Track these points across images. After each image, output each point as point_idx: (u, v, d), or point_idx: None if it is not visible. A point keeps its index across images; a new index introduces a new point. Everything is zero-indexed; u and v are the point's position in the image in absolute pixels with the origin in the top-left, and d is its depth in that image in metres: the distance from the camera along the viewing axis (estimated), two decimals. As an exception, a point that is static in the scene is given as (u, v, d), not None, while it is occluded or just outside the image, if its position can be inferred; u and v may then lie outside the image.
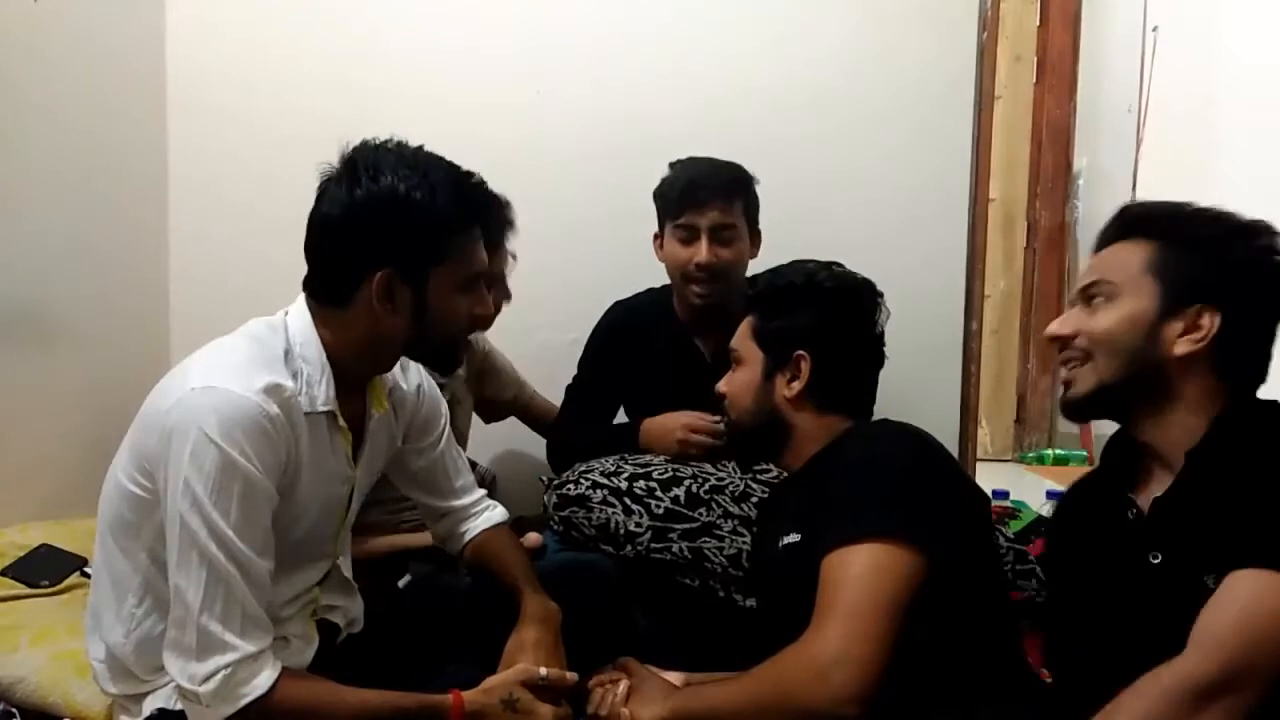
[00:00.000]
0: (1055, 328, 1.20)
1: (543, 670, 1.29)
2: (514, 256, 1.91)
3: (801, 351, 1.37)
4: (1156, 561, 1.08)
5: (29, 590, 1.59)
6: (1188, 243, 1.14)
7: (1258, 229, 1.13)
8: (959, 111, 2.31)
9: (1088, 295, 1.18)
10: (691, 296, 1.92)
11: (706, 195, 1.87)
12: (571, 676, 1.32)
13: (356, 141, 1.25)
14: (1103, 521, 1.20)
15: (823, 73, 2.31)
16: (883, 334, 1.44)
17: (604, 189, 2.30)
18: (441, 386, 1.90)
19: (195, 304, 2.31)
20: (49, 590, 1.60)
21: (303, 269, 1.28)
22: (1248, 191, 2.53)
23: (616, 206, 2.29)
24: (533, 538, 1.77)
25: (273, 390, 1.16)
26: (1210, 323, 1.10)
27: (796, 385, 1.38)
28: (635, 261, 2.06)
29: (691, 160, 1.95)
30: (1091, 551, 1.20)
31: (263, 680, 1.13)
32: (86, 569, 1.63)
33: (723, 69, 2.31)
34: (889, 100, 2.31)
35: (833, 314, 1.40)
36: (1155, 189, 3.17)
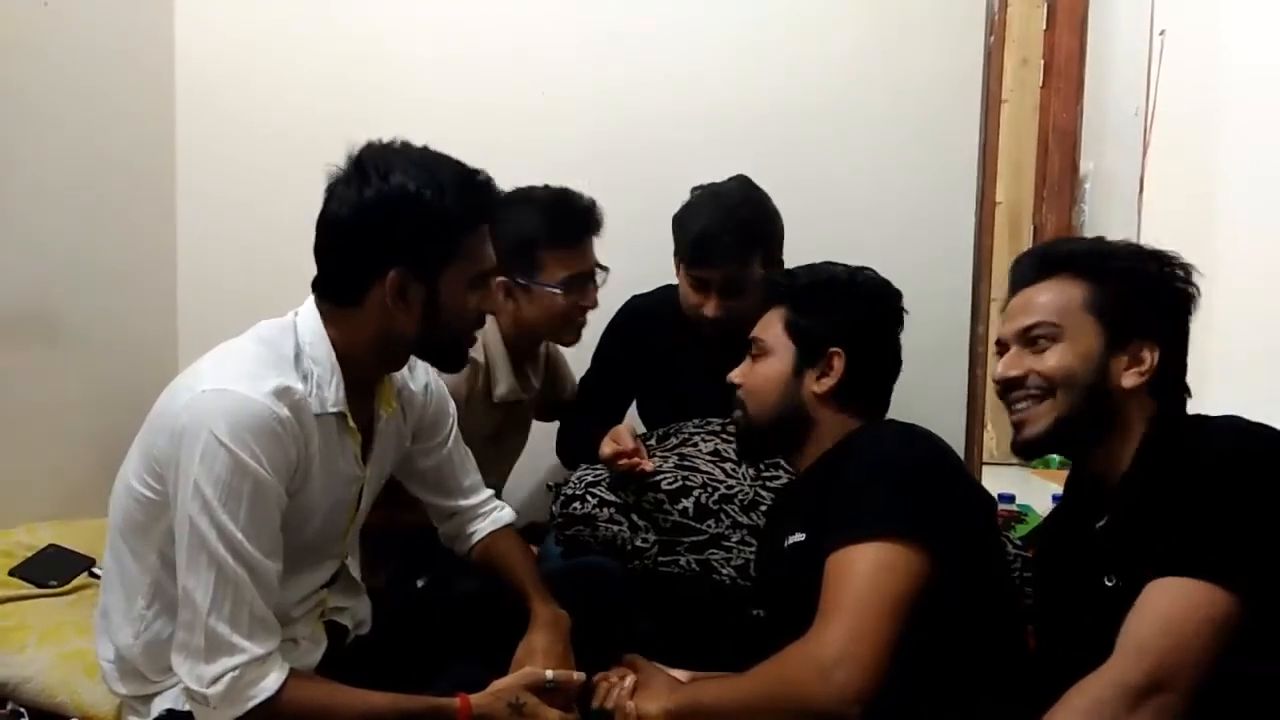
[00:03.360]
0: (1004, 370, 1.23)
1: (549, 673, 1.29)
2: (605, 268, 1.86)
3: (836, 349, 1.37)
4: (1111, 584, 1.11)
5: (37, 590, 1.60)
6: (1118, 281, 1.19)
7: (1171, 259, 1.20)
8: (965, 115, 2.31)
9: (1029, 337, 1.21)
10: (700, 330, 1.90)
11: (719, 257, 1.82)
12: (579, 677, 1.33)
13: (363, 143, 1.25)
14: (1068, 548, 1.25)
15: (829, 76, 2.31)
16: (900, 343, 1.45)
17: (608, 191, 2.28)
18: (516, 404, 1.89)
19: (203, 306, 2.32)
20: (57, 590, 1.61)
21: (311, 271, 1.28)
22: (1253, 194, 2.52)
23: (620, 209, 2.27)
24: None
25: (283, 392, 1.17)
26: (1151, 357, 1.17)
27: (827, 382, 1.38)
28: (640, 263, 2.06)
29: (711, 201, 1.86)
30: (1060, 576, 1.25)
31: (270, 682, 1.13)
32: (94, 569, 1.64)
33: (728, 73, 2.31)
34: (895, 103, 2.31)
35: (872, 315, 1.41)
36: (1162, 192, 3.16)
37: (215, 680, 1.10)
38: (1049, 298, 1.21)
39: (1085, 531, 1.21)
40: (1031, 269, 1.25)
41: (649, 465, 1.76)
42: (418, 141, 1.27)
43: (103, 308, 2.05)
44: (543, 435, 2.27)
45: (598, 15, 2.33)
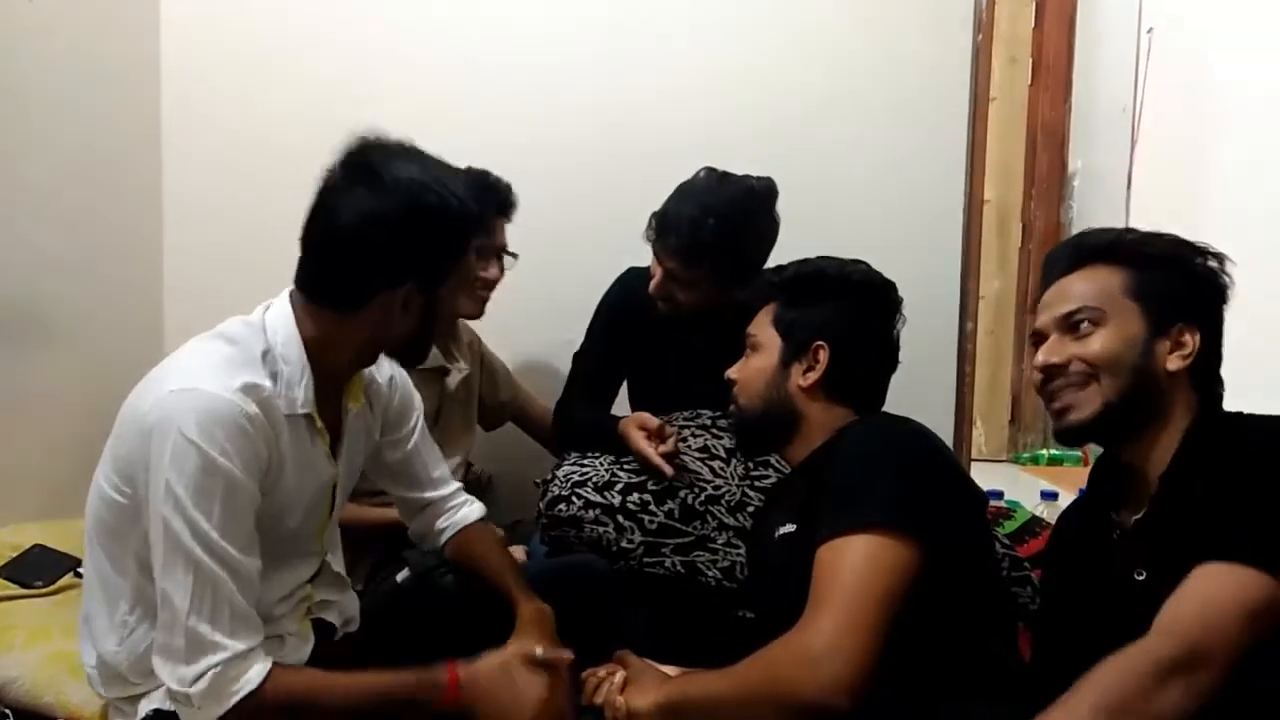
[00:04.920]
0: (1046, 357, 1.21)
1: (538, 649, 1.29)
2: (515, 255, 1.90)
3: (821, 341, 1.38)
4: (1141, 578, 1.11)
5: (22, 590, 1.59)
6: (1156, 266, 1.18)
7: (1205, 248, 1.19)
8: (954, 113, 2.31)
9: (1071, 323, 1.19)
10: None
11: (663, 245, 1.81)
12: (567, 655, 1.33)
13: (358, 140, 1.21)
14: (1092, 541, 1.23)
15: (818, 75, 2.32)
16: (898, 337, 1.44)
17: (603, 190, 2.31)
18: (445, 376, 1.90)
19: (188, 305, 2.31)
20: (43, 590, 1.61)
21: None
22: (1242, 192, 2.54)
23: (615, 207, 2.28)
24: (517, 551, 1.77)
25: (250, 389, 1.15)
26: (1193, 340, 1.16)
27: (812, 375, 1.38)
28: (635, 261, 2.06)
29: (697, 194, 1.79)
30: (1082, 569, 1.23)
31: (253, 675, 1.12)
32: (80, 569, 1.63)
33: (719, 73, 2.31)
34: (884, 102, 2.31)
35: (857, 308, 1.41)
36: (1150, 190, 3.17)
37: (197, 679, 1.09)
38: (1088, 284, 1.20)
39: (1114, 524, 1.20)
40: (1066, 261, 1.24)
41: (669, 469, 1.74)
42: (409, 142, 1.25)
43: (88, 307, 2.04)
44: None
45: (593, 20, 2.33)
